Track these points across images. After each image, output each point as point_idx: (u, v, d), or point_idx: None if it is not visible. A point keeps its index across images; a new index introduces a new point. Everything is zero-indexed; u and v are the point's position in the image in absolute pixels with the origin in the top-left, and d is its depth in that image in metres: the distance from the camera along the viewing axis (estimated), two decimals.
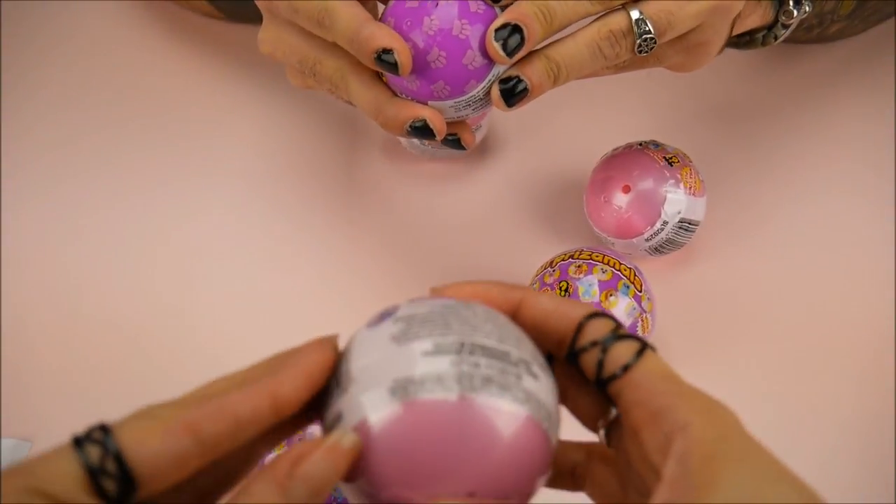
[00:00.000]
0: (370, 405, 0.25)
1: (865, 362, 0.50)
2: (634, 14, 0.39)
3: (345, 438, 0.25)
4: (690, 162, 0.52)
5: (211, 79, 0.64)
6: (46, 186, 0.59)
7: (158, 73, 0.64)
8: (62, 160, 0.60)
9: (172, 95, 0.63)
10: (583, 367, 0.28)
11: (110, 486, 0.23)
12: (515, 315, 0.29)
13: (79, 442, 0.24)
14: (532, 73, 0.38)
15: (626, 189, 0.50)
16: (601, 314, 0.28)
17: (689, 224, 0.51)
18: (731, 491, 0.23)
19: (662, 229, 0.50)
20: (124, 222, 0.57)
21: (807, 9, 0.48)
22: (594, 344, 0.27)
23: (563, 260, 0.48)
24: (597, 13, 0.39)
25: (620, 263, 0.47)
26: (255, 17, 0.49)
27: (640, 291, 0.46)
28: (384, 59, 0.37)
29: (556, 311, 0.29)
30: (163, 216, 0.58)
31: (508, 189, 0.58)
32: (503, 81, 0.38)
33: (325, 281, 0.55)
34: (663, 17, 0.39)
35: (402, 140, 0.57)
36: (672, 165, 0.50)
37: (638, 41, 0.39)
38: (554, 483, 0.30)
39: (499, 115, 0.59)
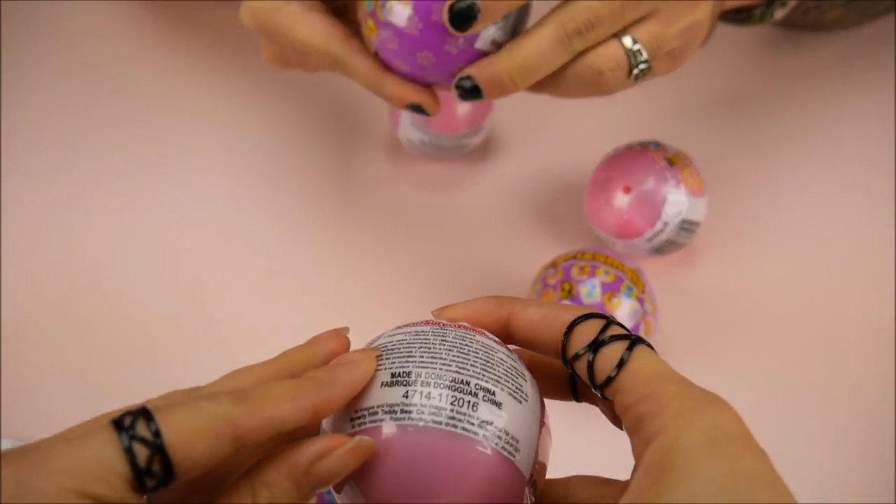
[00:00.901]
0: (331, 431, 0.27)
1: (866, 362, 0.50)
2: (627, 43, 0.40)
3: (364, 442, 0.25)
4: (691, 162, 0.52)
5: (212, 78, 0.63)
6: (44, 186, 0.58)
7: (158, 71, 0.64)
8: (59, 158, 0.60)
9: (172, 93, 0.63)
10: (579, 374, 0.28)
11: (151, 484, 0.23)
12: (507, 330, 0.29)
13: (120, 428, 0.23)
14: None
15: (627, 189, 0.50)
16: (588, 315, 0.28)
17: (690, 224, 0.51)
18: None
19: (663, 230, 0.50)
20: (124, 221, 0.57)
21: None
22: (582, 350, 0.27)
23: (565, 261, 0.48)
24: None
25: (624, 265, 0.47)
26: None
27: (643, 293, 0.46)
28: (413, 108, 0.41)
29: (544, 321, 0.28)
30: (162, 215, 0.57)
31: (509, 189, 0.58)
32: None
33: (324, 281, 0.55)
34: (653, 43, 0.40)
35: (403, 140, 0.57)
36: (673, 166, 0.50)
37: (635, 71, 0.40)
38: None
39: (500, 116, 0.59)
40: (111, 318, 0.53)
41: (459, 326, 0.29)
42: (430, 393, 0.26)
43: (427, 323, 0.29)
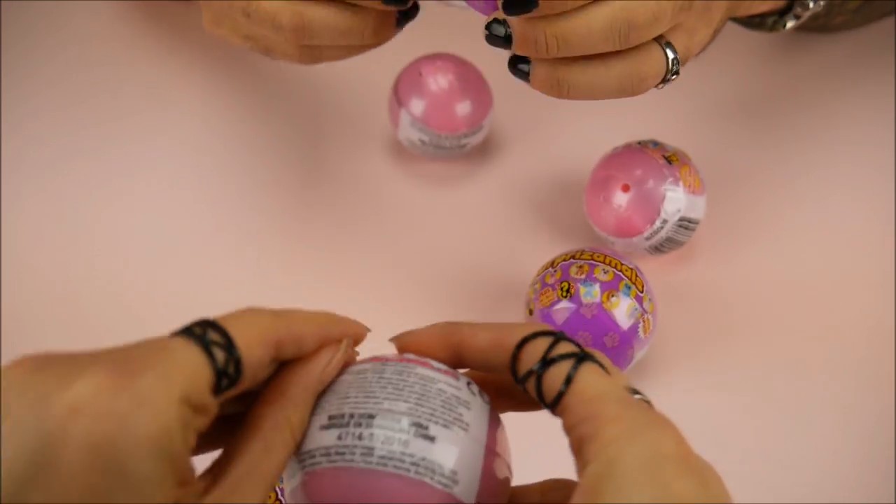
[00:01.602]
0: (287, 472, 0.28)
1: (866, 361, 0.50)
2: (670, 52, 0.39)
3: (346, 346, 0.29)
4: (690, 160, 0.52)
5: (211, 78, 0.63)
6: (43, 185, 0.58)
7: (158, 71, 0.64)
8: (58, 158, 0.60)
9: (172, 94, 0.63)
10: (530, 394, 0.27)
11: (225, 385, 0.25)
12: (460, 356, 0.29)
13: (202, 340, 0.24)
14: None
15: (626, 188, 0.51)
16: (537, 334, 0.27)
17: (689, 223, 0.51)
18: None
19: (662, 228, 0.50)
20: (124, 221, 0.57)
21: (821, 4, 0.48)
22: (529, 373, 0.27)
23: (564, 260, 0.48)
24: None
25: (622, 264, 0.47)
26: None
27: (642, 292, 0.46)
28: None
29: (493, 343, 0.28)
30: (162, 215, 0.57)
31: (509, 189, 0.58)
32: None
33: (323, 280, 0.55)
34: (683, 53, 0.40)
35: (403, 140, 0.57)
36: (671, 164, 0.50)
37: (667, 78, 0.40)
38: None
39: (499, 115, 0.59)
40: (111, 317, 0.53)
41: (402, 360, 0.29)
42: (360, 434, 0.26)
43: (373, 359, 0.29)
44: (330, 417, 0.27)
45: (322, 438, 0.27)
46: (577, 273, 0.46)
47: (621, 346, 0.45)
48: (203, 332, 0.25)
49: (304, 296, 0.53)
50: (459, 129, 0.55)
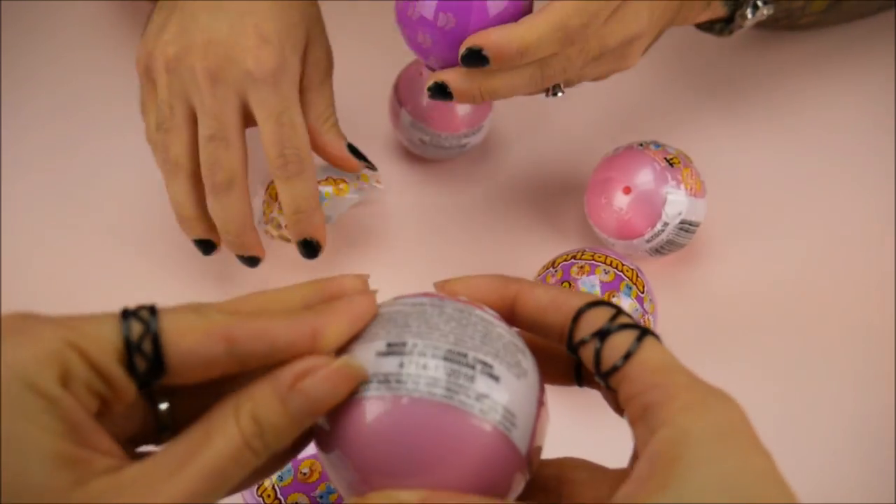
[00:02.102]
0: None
1: (866, 361, 0.50)
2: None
3: (352, 363, 0.25)
4: (691, 163, 0.52)
5: None
6: (44, 187, 0.59)
7: None
8: (58, 158, 0.60)
9: None
10: (584, 360, 0.27)
11: (141, 364, 0.24)
12: (512, 310, 0.29)
13: (125, 315, 0.25)
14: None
15: (627, 190, 0.51)
16: (600, 302, 0.27)
17: (690, 225, 0.51)
18: (674, 497, 0.22)
19: (663, 230, 0.50)
20: (124, 220, 0.57)
21: (764, 13, 0.50)
22: (590, 337, 0.27)
23: (565, 260, 0.48)
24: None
25: (623, 264, 0.47)
26: None
27: (643, 293, 0.46)
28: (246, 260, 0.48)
29: (553, 304, 0.28)
30: (162, 214, 0.57)
31: (509, 189, 0.58)
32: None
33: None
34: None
35: (403, 140, 0.57)
36: (673, 166, 0.50)
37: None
38: (532, 497, 0.29)
39: (500, 115, 0.59)
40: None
41: (459, 300, 0.28)
42: (426, 364, 0.25)
43: (426, 295, 0.28)
44: (389, 345, 0.26)
45: (380, 364, 0.25)
46: (577, 273, 0.46)
47: None
48: (136, 311, 0.25)
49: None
50: (459, 129, 0.55)
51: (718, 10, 0.50)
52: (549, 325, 0.28)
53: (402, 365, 0.25)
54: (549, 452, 0.29)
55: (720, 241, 0.55)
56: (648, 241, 0.51)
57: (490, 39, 0.40)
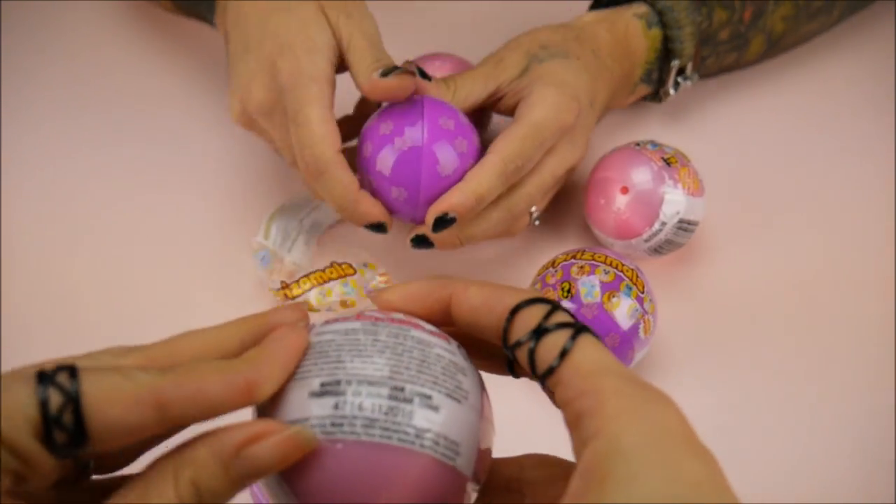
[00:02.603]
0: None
1: (866, 361, 0.50)
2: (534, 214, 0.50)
3: (304, 433, 0.24)
4: (689, 162, 0.52)
5: (210, 78, 0.63)
6: (44, 189, 0.58)
7: (156, 69, 0.64)
8: (56, 156, 0.60)
9: (172, 95, 0.63)
10: (520, 362, 0.26)
11: (60, 437, 0.22)
12: (447, 314, 0.28)
13: (43, 378, 0.22)
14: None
15: (625, 190, 0.51)
16: (536, 299, 0.26)
17: (688, 224, 0.51)
18: None
19: (661, 230, 0.50)
20: (124, 220, 0.57)
21: (689, 84, 0.57)
22: (525, 337, 0.25)
23: (565, 260, 0.48)
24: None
25: (623, 264, 0.47)
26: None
27: (643, 293, 0.46)
28: (373, 227, 0.46)
29: (486, 304, 0.26)
30: (162, 215, 0.57)
31: None
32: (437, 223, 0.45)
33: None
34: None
35: None
36: (670, 166, 0.50)
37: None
38: (493, 498, 0.29)
39: (500, 116, 0.59)
40: (111, 315, 0.53)
41: (393, 320, 0.26)
42: (361, 403, 0.24)
43: (358, 317, 0.27)
44: (323, 384, 0.24)
45: (314, 407, 0.24)
46: (577, 273, 0.46)
47: (622, 346, 0.45)
48: (53, 375, 0.22)
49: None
50: None
51: (644, 91, 0.57)
52: (484, 328, 0.27)
53: (336, 406, 0.24)
54: (515, 443, 0.29)
55: (720, 240, 0.55)
56: (647, 241, 0.51)
57: (451, 203, 0.44)
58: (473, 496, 0.26)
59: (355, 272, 0.49)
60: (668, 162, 0.51)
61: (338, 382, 0.24)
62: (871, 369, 0.50)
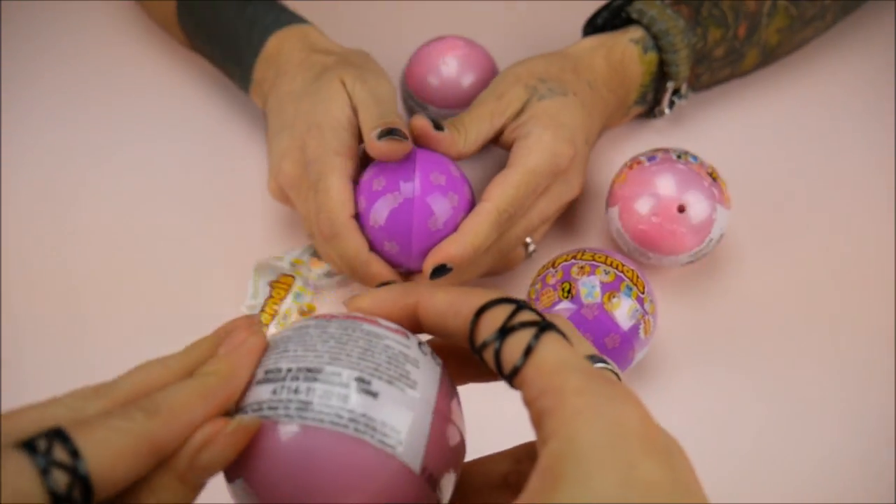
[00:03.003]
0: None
1: (866, 363, 0.49)
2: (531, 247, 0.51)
3: (245, 422, 0.25)
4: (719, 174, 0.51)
5: (209, 78, 0.64)
6: (44, 189, 0.59)
7: (156, 69, 0.64)
8: (56, 156, 0.60)
9: (172, 95, 0.63)
10: (487, 363, 0.26)
11: None
12: (416, 320, 0.28)
13: (36, 453, 0.22)
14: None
15: (682, 209, 0.49)
16: (500, 300, 0.26)
17: (721, 237, 0.51)
18: None
19: (707, 246, 0.50)
20: (124, 220, 0.57)
21: (683, 103, 0.58)
22: (490, 338, 0.25)
23: (565, 260, 0.48)
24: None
25: (623, 265, 0.47)
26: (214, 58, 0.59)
27: (643, 293, 0.46)
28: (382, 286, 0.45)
29: (451, 308, 0.27)
30: (163, 213, 0.58)
31: None
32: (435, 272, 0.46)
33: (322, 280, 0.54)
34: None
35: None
36: (715, 181, 0.50)
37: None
38: (488, 498, 0.29)
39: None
40: (112, 316, 0.53)
41: (348, 317, 0.27)
42: (296, 388, 0.25)
43: (318, 317, 0.28)
44: (267, 372, 0.26)
45: (257, 393, 0.25)
46: (578, 273, 0.46)
47: (622, 346, 0.45)
48: (47, 450, 0.22)
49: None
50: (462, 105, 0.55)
51: (637, 111, 0.58)
52: (452, 331, 0.27)
53: (274, 392, 0.25)
54: (502, 441, 0.29)
55: (721, 241, 0.55)
56: (691, 256, 0.50)
57: (449, 255, 0.45)
58: (443, 496, 0.26)
59: (294, 277, 0.51)
60: (713, 177, 0.50)
61: (279, 370, 0.25)
62: (871, 369, 0.49)
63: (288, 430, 0.24)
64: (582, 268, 0.47)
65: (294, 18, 0.55)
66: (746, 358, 0.50)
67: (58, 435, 0.22)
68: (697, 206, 0.49)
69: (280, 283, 0.50)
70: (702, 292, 0.53)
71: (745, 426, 0.48)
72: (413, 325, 0.28)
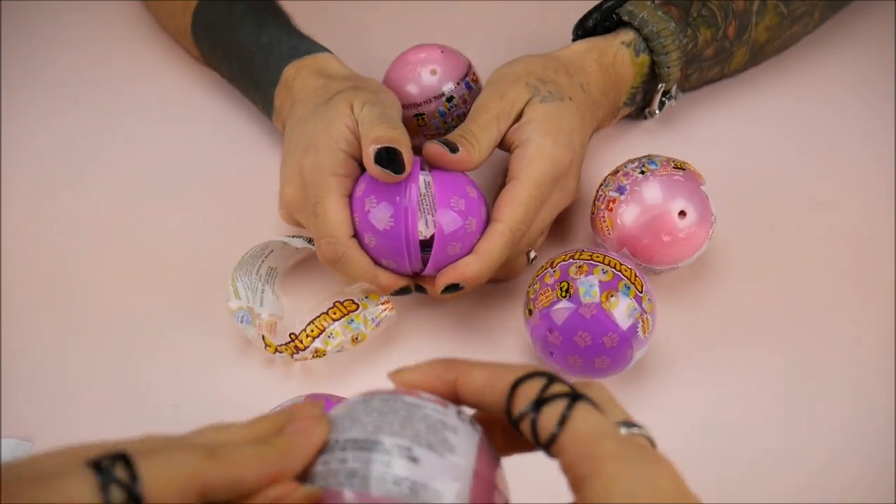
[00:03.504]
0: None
1: (865, 363, 0.50)
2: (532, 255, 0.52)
3: (313, 491, 0.27)
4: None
5: (209, 78, 0.64)
6: (44, 189, 0.59)
7: (155, 72, 0.64)
8: (56, 157, 0.60)
9: (172, 94, 0.63)
10: (525, 435, 0.28)
11: None
12: (455, 393, 0.29)
13: (99, 468, 0.24)
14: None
15: (683, 214, 0.49)
16: (535, 374, 0.28)
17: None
18: None
19: (705, 250, 0.51)
20: (125, 220, 0.57)
21: (673, 104, 0.58)
22: (526, 410, 0.27)
23: (563, 260, 0.47)
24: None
25: (621, 264, 0.47)
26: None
27: (641, 292, 0.46)
28: (399, 293, 0.49)
29: (488, 384, 0.28)
30: (162, 214, 0.58)
31: None
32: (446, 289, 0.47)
33: (323, 280, 0.54)
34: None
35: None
36: (703, 186, 0.50)
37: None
38: None
39: None
40: (112, 318, 0.53)
41: (391, 392, 0.29)
42: (345, 458, 0.27)
43: (363, 395, 0.30)
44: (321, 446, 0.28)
45: (315, 465, 0.27)
46: (576, 273, 0.46)
47: (620, 345, 0.45)
48: (109, 467, 0.24)
49: (300, 291, 0.53)
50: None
51: (626, 112, 0.58)
52: (490, 406, 0.29)
53: (326, 463, 0.27)
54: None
55: (718, 240, 0.55)
56: (689, 262, 0.51)
57: (465, 276, 0.47)
58: None
59: (358, 307, 0.50)
60: (679, 167, 0.50)
61: (329, 443, 0.28)
62: (871, 370, 0.50)
63: (338, 497, 0.26)
64: (580, 267, 0.47)
65: (311, 47, 0.56)
66: (745, 357, 0.51)
67: (121, 458, 0.24)
68: (698, 213, 0.49)
69: (341, 305, 0.50)
70: (700, 292, 0.53)
71: (745, 424, 0.48)
72: (453, 397, 0.30)
